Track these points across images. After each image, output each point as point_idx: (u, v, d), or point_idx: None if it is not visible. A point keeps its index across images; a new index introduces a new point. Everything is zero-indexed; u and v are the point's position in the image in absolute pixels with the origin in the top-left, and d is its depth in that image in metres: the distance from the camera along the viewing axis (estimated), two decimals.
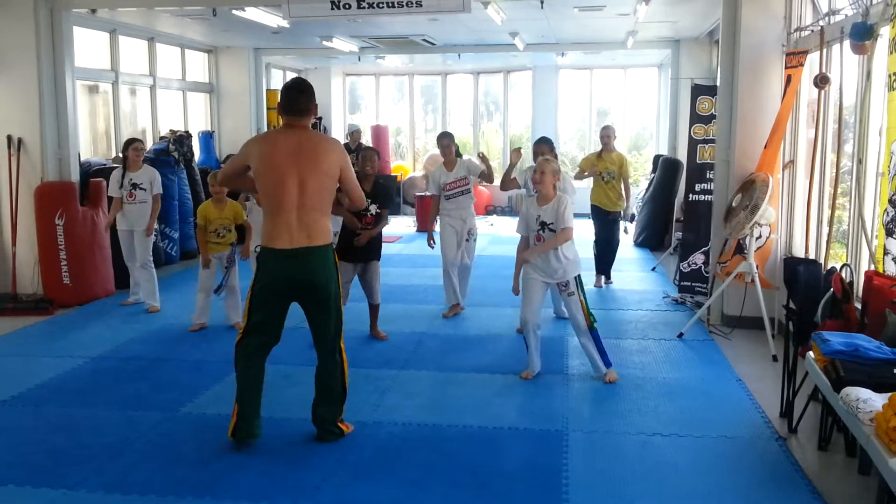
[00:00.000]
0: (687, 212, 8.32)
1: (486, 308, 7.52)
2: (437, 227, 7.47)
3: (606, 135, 8.81)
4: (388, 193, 6.44)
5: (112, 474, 4.02)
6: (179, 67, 11.85)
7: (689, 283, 7.94)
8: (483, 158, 7.39)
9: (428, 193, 14.37)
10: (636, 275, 9.48)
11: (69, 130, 8.03)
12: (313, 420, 4.45)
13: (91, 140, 10.12)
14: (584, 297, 5.41)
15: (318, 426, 4.45)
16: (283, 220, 4.12)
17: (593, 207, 8.80)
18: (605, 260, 8.76)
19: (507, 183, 7.39)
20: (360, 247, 6.13)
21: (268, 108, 13.09)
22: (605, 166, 8.62)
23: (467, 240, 7.32)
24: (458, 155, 7.51)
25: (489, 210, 15.91)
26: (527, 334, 5.50)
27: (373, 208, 6.11)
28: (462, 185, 7.33)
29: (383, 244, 6.64)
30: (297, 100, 4.23)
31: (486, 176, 7.30)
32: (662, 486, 3.89)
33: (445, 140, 7.42)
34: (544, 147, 6.91)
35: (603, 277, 8.76)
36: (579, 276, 5.40)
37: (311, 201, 4.13)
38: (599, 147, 8.95)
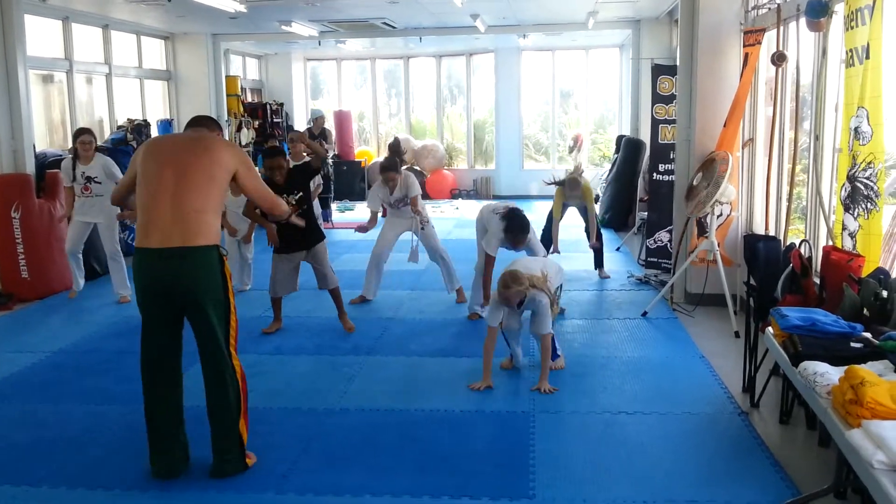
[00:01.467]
0: (651, 192, 8.38)
1: (452, 293, 7.51)
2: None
3: (573, 190, 7.99)
4: (303, 176, 5.99)
5: (76, 469, 3.96)
6: (136, 55, 11.65)
7: (655, 259, 8.04)
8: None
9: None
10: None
11: (23, 121, 7.86)
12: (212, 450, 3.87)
13: (46, 131, 9.93)
14: (554, 305, 5.13)
15: (214, 457, 3.86)
16: (156, 214, 3.61)
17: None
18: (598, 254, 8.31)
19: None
20: (299, 234, 5.82)
21: (227, 95, 12.94)
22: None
23: (422, 228, 7.09)
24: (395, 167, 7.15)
25: (454, 193, 15.90)
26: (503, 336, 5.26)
27: (291, 199, 5.82)
28: (404, 204, 7.14)
29: (346, 230, 6.58)
30: (200, 120, 4.10)
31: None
32: (628, 463, 3.93)
33: (391, 173, 7.04)
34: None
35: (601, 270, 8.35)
36: (558, 287, 5.36)
37: (190, 194, 3.62)
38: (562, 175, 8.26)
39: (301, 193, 5.92)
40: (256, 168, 4.28)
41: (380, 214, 7.23)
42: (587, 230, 8.25)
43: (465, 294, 7.13)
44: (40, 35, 9.39)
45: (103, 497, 3.69)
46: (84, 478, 3.86)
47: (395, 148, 6.78)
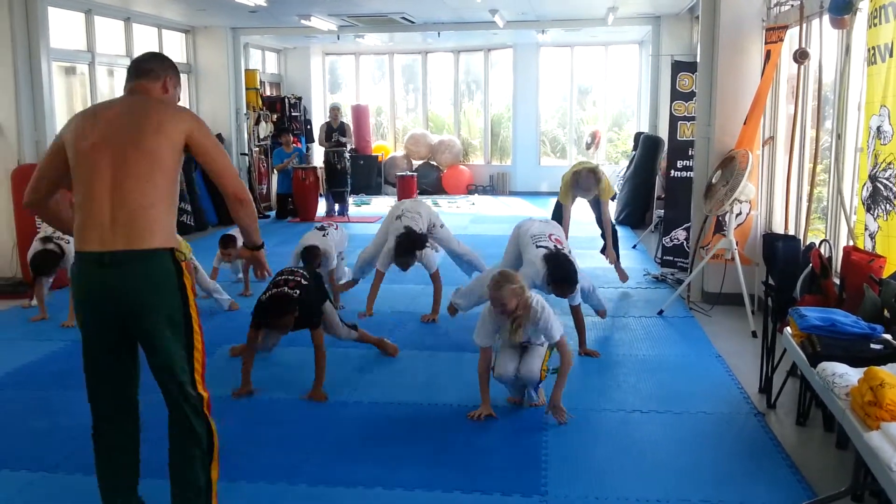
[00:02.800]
0: (668, 188, 8.34)
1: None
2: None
3: (585, 181, 7.18)
4: (308, 316, 4.83)
5: (91, 456, 3.97)
6: (157, 48, 11.69)
7: (671, 258, 8.00)
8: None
9: (408, 174, 14.34)
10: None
11: (45, 112, 7.93)
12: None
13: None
14: (551, 351, 4.55)
15: None
16: (93, 211, 2.88)
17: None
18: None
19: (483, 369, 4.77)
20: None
21: (246, 89, 12.97)
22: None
23: (430, 232, 6.64)
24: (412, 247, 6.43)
25: (470, 189, 15.88)
26: (501, 382, 4.60)
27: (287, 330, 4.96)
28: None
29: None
30: (140, 60, 3.19)
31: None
32: (641, 462, 3.91)
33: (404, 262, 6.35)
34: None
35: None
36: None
37: (133, 183, 2.87)
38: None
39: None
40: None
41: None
42: (599, 222, 7.68)
43: None
44: (63, 27, 9.44)
45: None
46: None
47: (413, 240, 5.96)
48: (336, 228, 6.89)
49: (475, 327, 4.51)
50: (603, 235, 7.69)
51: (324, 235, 6.61)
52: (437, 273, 6.60)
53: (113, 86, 10.80)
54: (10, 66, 7.65)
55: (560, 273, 5.25)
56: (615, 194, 8.24)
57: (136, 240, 2.88)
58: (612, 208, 11.99)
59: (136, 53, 10.85)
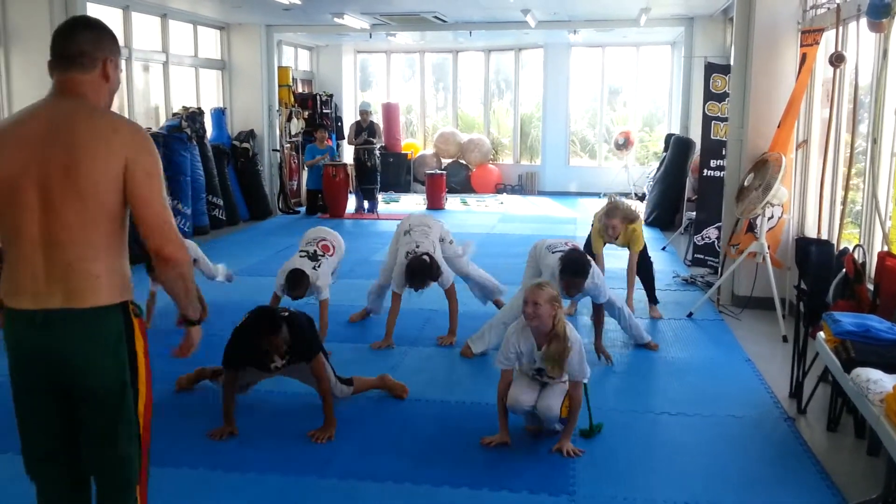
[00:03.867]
0: (701, 188, 8.32)
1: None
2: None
3: (610, 225, 6.19)
4: (304, 349, 4.28)
5: None
6: (192, 44, 11.83)
7: (702, 256, 7.98)
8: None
9: (437, 172, 14.38)
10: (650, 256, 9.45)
11: None
12: None
13: None
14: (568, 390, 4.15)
15: None
16: (23, 260, 2.32)
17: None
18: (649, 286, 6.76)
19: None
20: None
21: (279, 85, 13.08)
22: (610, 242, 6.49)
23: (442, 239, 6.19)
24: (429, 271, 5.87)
25: (499, 188, 15.88)
26: (513, 412, 4.19)
27: (279, 362, 4.30)
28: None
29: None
30: (76, 34, 2.38)
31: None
32: (670, 464, 3.91)
33: (418, 282, 5.75)
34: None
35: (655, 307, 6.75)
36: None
37: (69, 234, 2.29)
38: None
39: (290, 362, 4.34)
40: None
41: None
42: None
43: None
44: None
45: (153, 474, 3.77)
46: None
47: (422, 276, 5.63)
48: (331, 254, 6.04)
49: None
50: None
51: (315, 268, 5.77)
52: (453, 288, 6.01)
53: (148, 81, 10.95)
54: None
55: (571, 266, 5.03)
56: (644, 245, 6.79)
57: (75, 297, 2.31)
58: (642, 210, 11.96)
59: (172, 50, 11.04)
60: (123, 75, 10.14)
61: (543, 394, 4.13)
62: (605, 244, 6.43)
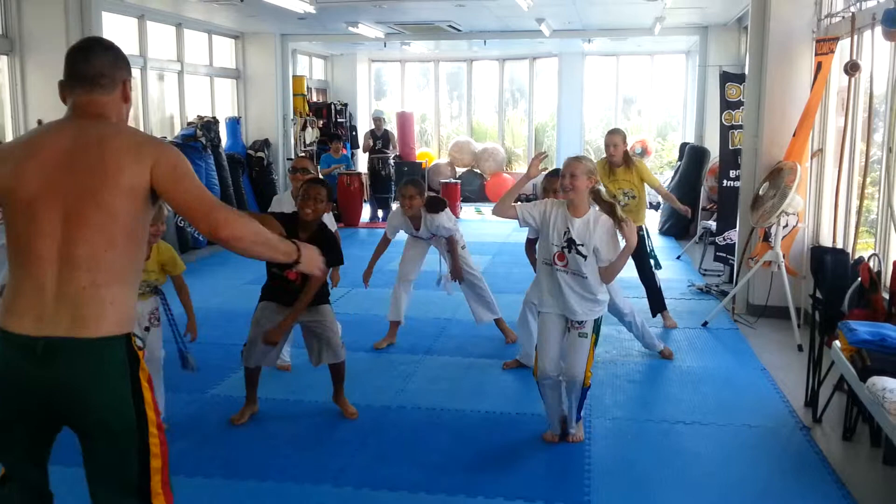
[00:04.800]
0: (721, 198, 8.33)
1: (509, 295, 7.49)
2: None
3: (611, 143, 6.17)
4: (330, 252, 4.10)
5: None
6: (207, 53, 11.92)
7: (723, 254, 7.97)
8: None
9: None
10: (661, 263, 9.43)
11: None
12: None
13: None
14: (595, 346, 4.18)
15: None
16: (31, 283, 2.22)
17: None
18: (653, 293, 6.57)
19: (504, 208, 4.23)
20: (291, 298, 4.34)
21: (294, 94, 13.16)
22: (618, 186, 6.23)
23: (449, 251, 5.87)
24: (435, 205, 5.76)
25: None
26: (544, 389, 4.21)
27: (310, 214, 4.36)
28: (432, 238, 5.92)
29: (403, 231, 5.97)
30: (95, 56, 2.37)
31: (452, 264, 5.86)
32: (684, 474, 3.90)
33: (409, 190, 5.64)
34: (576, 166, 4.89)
35: (666, 313, 6.63)
36: (601, 318, 4.19)
37: (88, 254, 2.21)
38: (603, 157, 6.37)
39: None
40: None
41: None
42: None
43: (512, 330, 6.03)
44: (117, 32, 9.67)
45: None
46: None
47: (416, 184, 5.63)
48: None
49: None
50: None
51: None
52: (455, 238, 5.83)
53: (163, 90, 11.03)
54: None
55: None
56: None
57: (81, 325, 2.20)
58: (655, 221, 11.92)
59: (187, 59, 11.12)
60: (138, 84, 10.25)
61: (569, 354, 4.10)
62: (612, 178, 6.22)
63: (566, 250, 4.00)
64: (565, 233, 3.99)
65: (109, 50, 2.41)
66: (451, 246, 5.83)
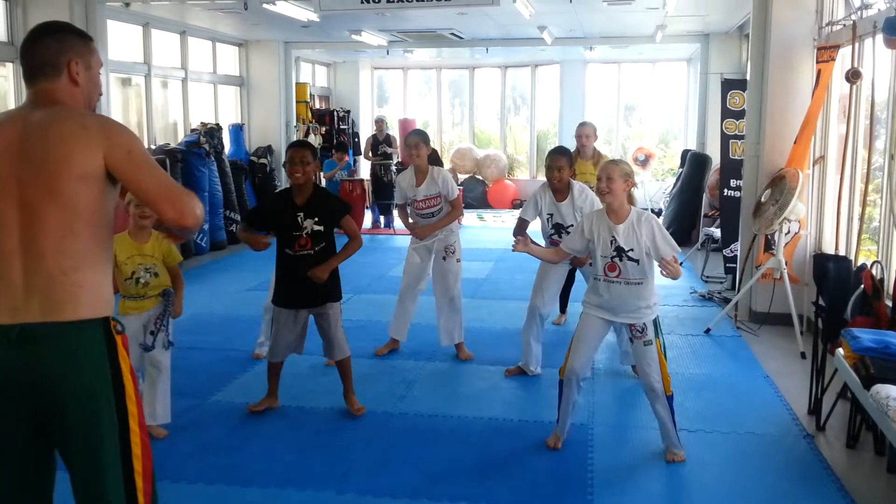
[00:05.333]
0: (723, 207, 8.34)
1: (511, 302, 7.53)
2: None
3: (583, 134, 6.62)
4: (332, 205, 4.54)
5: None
6: (211, 61, 11.96)
7: (733, 266, 7.98)
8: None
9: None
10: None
11: None
12: None
13: None
14: (665, 349, 4.08)
15: None
16: (2, 271, 2.22)
17: None
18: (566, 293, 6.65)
19: (557, 260, 4.74)
20: (304, 285, 4.44)
21: (297, 101, 13.19)
22: (584, 179, 6.16)
23: (444, 258, 5.73)
24: (435, 162, 5.75)
25: (515, 204, 15.89)
26: (567, 389, 4.12)
27: (309, 224, 4.41)
28: (434, 205, 5.67)
29: (408, 237, 5.91)
30: (37, 43, 2.31)
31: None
32: (688, 482, 3.90)
33: (413, 139, 5.59)
34: (562, 160, 5.15)
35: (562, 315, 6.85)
36: (658, 318, 4.08)
37: (50, 243, 2.20)
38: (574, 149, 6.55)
39: (320, 226, 4.44)
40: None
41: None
42: None
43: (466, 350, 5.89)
44: (121, 40, 9.71)
45: (169, 489, 3.80)
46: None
47: (421, 135, 5.63)
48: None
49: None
50: None
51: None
52: (459, 202, 5.78)
53: (167, 97, 11.07)
54: None
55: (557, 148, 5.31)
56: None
57: (55, 310, 2.19)
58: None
59: (191, 66, 11.16)
60: (142, 91, 10.27)
61: (640, 365, 4.03)
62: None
63: (616, 259, 3.90)
64: (612, 242, 3.90)
65: (54, 34, 2.32)
66: (452, 209, 5.69)
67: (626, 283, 3.92)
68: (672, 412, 4.07)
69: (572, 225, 4.87)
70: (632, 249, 3.86)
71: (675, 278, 3.88)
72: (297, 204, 4.43)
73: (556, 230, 5.05)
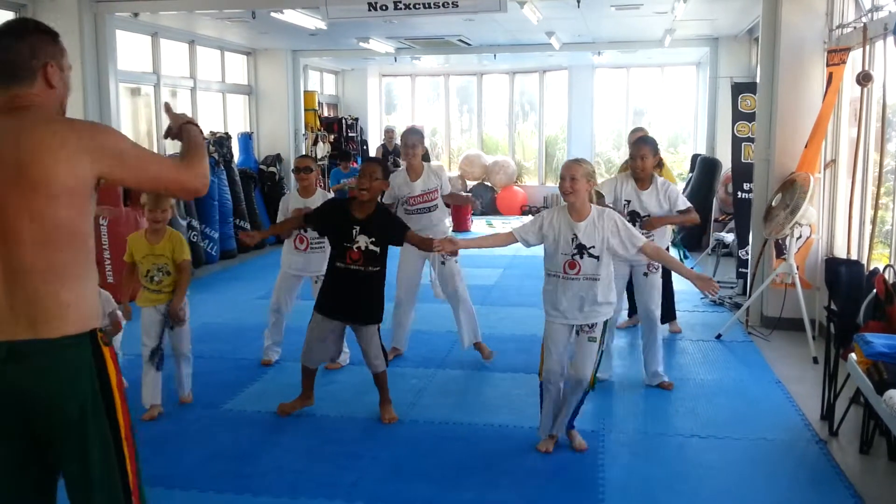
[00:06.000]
0: (736, 210, 8.31)
1: (521, 308, 7.51)
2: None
3: (639, 155, 5.17)
4: (392, 226, 4.60)
5: (154, 468, 4.05)
6: (219, 70, 12.00)
7: (745, 270, 7.93)
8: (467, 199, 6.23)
9: (462, 194, 14.39)
10: (673, 276, 9.39)
11: None
12: None
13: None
14: (602, 350, 4.26)
15: None
16: None
17: None
18: (666, 301, 6.25)
19: (497, 244, 4.55)
20: (347, 300, 4.57)
21: (305, 110, 13.21)
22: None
23: (443, 262, 5.71)
24: (427, 160, 5.87)
25: (524, 210, 15.88)
26: (547, 389, 4.23)
27: (363, 240, 4.44)
28: (429, 200, 5.71)
29: None
30: (5, 47, 2.19)
31: (451, 197, 6.04)
32: (700, 488, 3.87)
33: (412, 138, 5.70)
34: (645, 149, 5.17)
35: (672, 323, 6.76)
36: (609, 321, 4.25)
37: (32, 259, 2.12)
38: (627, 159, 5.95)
39: (376, 247, 4.48)
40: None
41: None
42: None
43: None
44: (130, 50, 9.76)
45: (180, 497, 3.79)
46: (162, 477, 3.96)
47: (418, 133, 5.85)
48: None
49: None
50: None
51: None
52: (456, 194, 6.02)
53: (176, 106, 11.05)
54: (80, 87, 7.91)
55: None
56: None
57: (42, 327, 2.14)
58: (668, 233, 11.84)
59: (200, 75, 11.19)
60: (151, 101, 10.31)
61: (576, 357, 4.13)
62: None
63: (577, 257, 4.01)
64: (573, 239, 3.99)
65: (23, 36, 2.20)
66: (451, 198, 5.90)
67: (585, 279, 4.03)
68: (580, 405, 4.27)
69: (648, 215, 5.11)
70: (593, 247, 3.98)
71: (714, 293, 4.05)
72: (357, 217, 4.49)
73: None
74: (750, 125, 7.88)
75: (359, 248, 4.45)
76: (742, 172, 7.98)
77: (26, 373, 2.14)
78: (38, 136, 2.09)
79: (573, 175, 3.95)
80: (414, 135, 5.76)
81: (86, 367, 2.20)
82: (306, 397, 4.86)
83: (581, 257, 3.99)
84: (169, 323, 4.73)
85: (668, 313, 6.61)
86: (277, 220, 5.75)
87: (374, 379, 4.80)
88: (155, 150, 10.14)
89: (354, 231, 4.45)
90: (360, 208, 4.50)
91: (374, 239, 4.46)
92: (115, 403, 2.25)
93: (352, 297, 4.56)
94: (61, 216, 2.11)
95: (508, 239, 4.18)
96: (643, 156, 5.13)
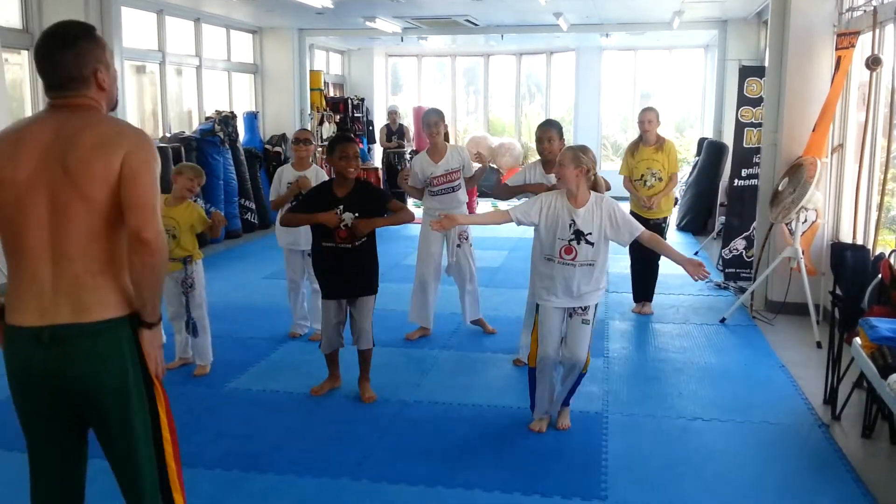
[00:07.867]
0: (731, 197, 8.24)
1: (526, 290, 7.50)
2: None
3: (646, 119, 6.54)
4: (372, 197, 4.63)
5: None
6: (225, 48, 11.97)
7: (732, 270, 7.90)
8: (480, 158, 6.08)
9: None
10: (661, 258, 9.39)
11: (118, 110, 8.18)
12: None
13: (139, 120, 10.28)
14: (592, 335, 4.24)
15: None
16: (29, 276, 2.29)
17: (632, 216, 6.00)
18: (648, 282, 6.85)
19: (500, 190, 5.97)
20: (343, 277, 4.66)
21: (311, 89, 13.18)
22: (647, 165, 6.56)
23: (458, 245, 5.91)
24: (446, 139, 6.02)
25: (520, 198, 15.85)
26: (542, 374, 4.25)
27: (348, 217, 4.47)
28: (452, 180, 5.84)
29: (420, 226, 5.99)
30: (57, 60, 2.29)
31: (472, 179, 6.05)
32: (703, 470, 3.89)
33: (433, 117, 5.76)
34: (551, 132, 5.25)
35: (645, 303, 6.86)
36: (597, 304, 4.24)
37: (78, 244, 2.26)
38: (637, 135, 6.78)
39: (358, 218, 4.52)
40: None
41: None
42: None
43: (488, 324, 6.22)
44: (136, 27, 9.73)
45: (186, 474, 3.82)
46: None
47: (439, 114, 5.88)
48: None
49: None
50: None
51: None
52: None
53: (181, 85, 11.09)
54: None
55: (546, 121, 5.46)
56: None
57: (83, 311, 2.27)
58: (673, 216, 11.86)
59: (205, 54, 11.16)
60: (157, 79, 10.29)
61: (569, 339, 4.15)
62: (639, 157, 6.62)
63: (574, 242, 4.02)
64: (571, 224, 4.01)
65: (71, 44, 2.30)
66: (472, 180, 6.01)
67: (580, 265, 4.04)
68: (575, 387, 4.31)
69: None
70: (590, 233, 4.00)
71: (704, 278, 3.99)
72: (338, 196, 4.52)
73: (577, 237, 4.24)
74: (754, 110, 7.84)
75: (345, 225, 4.48)
76: (741, 158, 7.94)
77: (68, 356, 2.28)
78: (100, 132, 2.28)
79: (562, 162, 4.02)
80: (434, 114, 5.80)
81: (126, 349, 2.34)
82: (335, 378, 4.96)
83: (578, 243, 4.01)
84: (183, 289, 5.03)
85: (646, 293, 6.86)
86: (272, 189, 5.97)
87: (359, 356, 4.84)
88: (160, 127, 10.20)
89: (339, 210, 4.48)
90: (340, 185, 4.55)
91: (357, 214, 4.48)
92: (153, 384, 2.41)
93: (348, 273, 4.64)
94: (108, 206, 2.26)
95: (504, 217, 4.19)
96: (550, 138, 5.18)
